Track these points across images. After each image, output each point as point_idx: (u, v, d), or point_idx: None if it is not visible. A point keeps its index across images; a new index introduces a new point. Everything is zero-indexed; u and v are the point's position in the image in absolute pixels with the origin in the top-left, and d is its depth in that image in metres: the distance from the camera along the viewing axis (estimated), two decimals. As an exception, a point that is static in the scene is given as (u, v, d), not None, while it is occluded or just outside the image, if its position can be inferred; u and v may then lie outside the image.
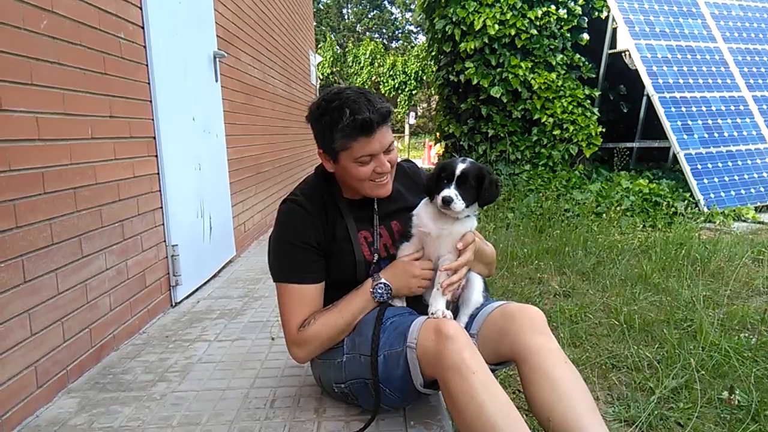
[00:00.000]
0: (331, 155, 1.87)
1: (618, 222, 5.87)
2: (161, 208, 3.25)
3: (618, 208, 6.26)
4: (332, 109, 1.79)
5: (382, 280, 1.88)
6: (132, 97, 2.96)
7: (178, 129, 3.51)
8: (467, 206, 1.81)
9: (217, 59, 4.28)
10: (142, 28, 3.12)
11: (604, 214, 6.15)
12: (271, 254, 1.95)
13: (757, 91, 7.63)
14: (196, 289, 3.65)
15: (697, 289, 3.59)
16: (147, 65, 3.16)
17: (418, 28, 42.28)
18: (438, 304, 1.79)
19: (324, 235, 1.91)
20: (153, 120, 3.19)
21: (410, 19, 43.44)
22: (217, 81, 4.30)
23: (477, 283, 1.96)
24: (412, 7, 43.36)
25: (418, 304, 1.96)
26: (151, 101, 3.18)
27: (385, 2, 45.57)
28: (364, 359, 1.82)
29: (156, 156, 3.22)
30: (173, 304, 3.36)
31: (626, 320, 3.07)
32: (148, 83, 3.17)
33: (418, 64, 28.32)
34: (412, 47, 35.69)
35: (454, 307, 1.97)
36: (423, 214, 1.92)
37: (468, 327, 1.91)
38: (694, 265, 4.20)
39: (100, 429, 1.95)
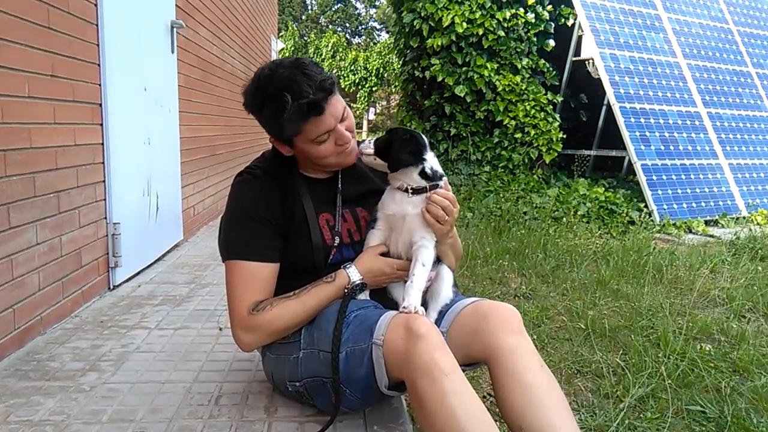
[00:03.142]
0: (285, 142, 1.71)
1: (575, 227, 5.87)
2: (104, 181, 2.99)
3: (575, 214, 6.27)
4: (271, 97, 1.60)
5: (359, 279, 1.71)
6: (78, 58, 2.69)
7: (128, 98, 3.25)
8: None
9: (175, 29, 4.01)
10: (94, -17, 2.85)
11: (563, 219, 6.14)
12: (223, 230, 1.75)
13: (711, 107, 7.81)
14: (138, 273, 3.39)
15: (656, 297, 3.57)
16: (97, 25, 2.89)
17: (382, 26, 42.15)
18: (411, 298, 1.63)
19: (282, 213, 1.73)
20: (100, 85, 2.93)
21: (374, 15, 43.24)
22: (173, 52, 4.04)
23: (447, 277, 1.81)
24: (377, 3, 43.19)
25: (383, 298, 1.80)
26: (99, 65, 2.92)
27: (350, -4, 45.23)
28: (324, 356, 1.65)
29: (101, 125, 2.95)
30: (111, 287, 3.10)
31: (589, 325, 3.00)
32: (97, 45, 2.90)
33: (380, 61, 28.16)
34: (375, 44, 35.51)
35: (422, 301, 1.81)
36: (386, 197, 1.77)
37: (437, 324, 1.76)
38: (650, 273, 4.20)
39: (17, 423, 1.71)
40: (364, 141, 1.77)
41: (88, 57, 2.79)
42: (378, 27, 43.53)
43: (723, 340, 2.92)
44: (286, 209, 1.74)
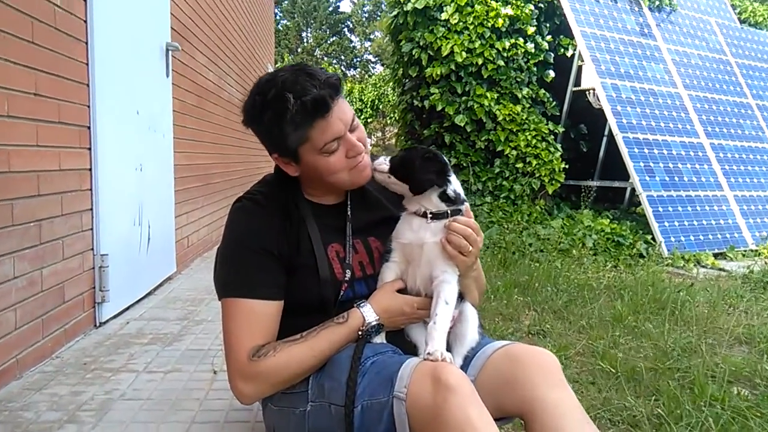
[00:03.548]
0: (290, 156, 1.51)
1: (582, 260, 5.68)
2: (91, 209, 2.78)
3: (582, 246, 6.09)
4: (271, 101, 1.43)
5: (375, 320, 1.50)
6: (65, 77, 2.51)
7: (119, 121, 3.06)
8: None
9: (170, 52, 3.86)
10: (84, 0, 2.69)
11: (573, 251, 5.96)
12: (219, 263, 1.54)
13: (714, 138, 7.72)
14: (127, 308, 3.15)
15: (680, 336, 3.37)
16: (87, 43, 2.72)
17: (377, 58, 42.59)
18: (436, 342, 1.42)
19: (287, 243, 1.52)
20: (89, 107, 2.74)
21: (369, 48, 43.76)
22: (168, 76, 3.87)
23: (472, 316, 1.60)
24: (372, 36, 43.74)
25: (400, 339, 1.59)
26: (88, 85, 2.73)
27: (345, 30, 45.84)
28: (336, 410, 1.42)
29: (89, 149, 2.76)
30: (97, 324, 2.86)
31: (615, 367, 2.77)
32: (87, 64, 2.73)
33: (375, 93, 28.29)
34: (370, 76, 35.79)
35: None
36: (402, 223, 1.58)
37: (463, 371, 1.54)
38: (666, 308, 4.00)
39: (-23, 489, 1.47)
40: (377, 157, 1.58)
41: (75, 76, 2.60)
42: (373, 60, 44.02)
43: (760, 383, 2.70)
44: (290, 239, 1.53)
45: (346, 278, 1.55)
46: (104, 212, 2.84)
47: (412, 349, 1.55)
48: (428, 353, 1.39)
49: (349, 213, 1.63)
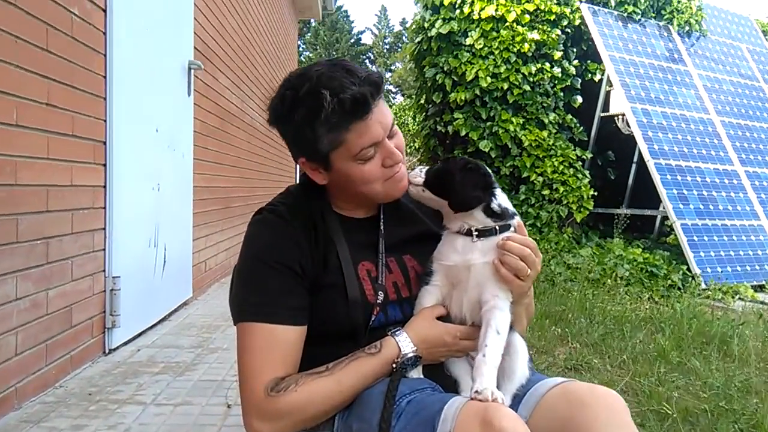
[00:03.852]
0: (320, 161, 1.32)
1: (616, 291, 5.41)
2: (104, 229, 2.64)
3: (615, 276, 5.83)
4: (304, 97, 1.25)
5: (412, 351, 1.30)
6: (80, 88, 2.39)
7: (137, 137, 2.94)
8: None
9: (192, 71, 3.76)
10: (104, 11, 2.59)
11: (605, 281, 5.70)
12: (235, 283, 1.35)
13: (749, 166, 7.45)
14: (138, 334, 2.98)
15: (731, 373, 3.10)
16: (105, 55, 2.61)
17: (397, 89, 42.91)
18: (485, 379, 1.21)
19: (312, 260, 1.33)
20: (105, 121, 2.63)
21: (390, 79, 44.14)
22: (189, 95, 3.77)
23: (522, 349, 1.39)
24: (393, 68, 44.18)
25: (439, 374, 1.38)
26: (105, 99, 2.62)
27: (367, 61, 46.35)
28: (366, 456, 1.22)
29: (104, 165, 2.63)
30: (106, 351, 2.69)
31: (668, 408, 2.53)
32: (104, 77, 2.62)
33: (397, 122, 28.33)
34: (391, 106, 36.02)
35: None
36: (444, 244, 1.38)
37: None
38: (711, 344, 3.73)
39: None
40: (412, 169, 1.41)
41: (92, 88, 2.49)
42: (393, 90, 44.31)
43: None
44: (316, 256, 1.35)
45: (379, 300, 1.36)
46: (118, 232, 2.70)
47: (452, 386, 1.35)
48: (476, 391, 1.19)
49: (381, 228, 1.45)
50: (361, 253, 1.39)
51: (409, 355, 1.28)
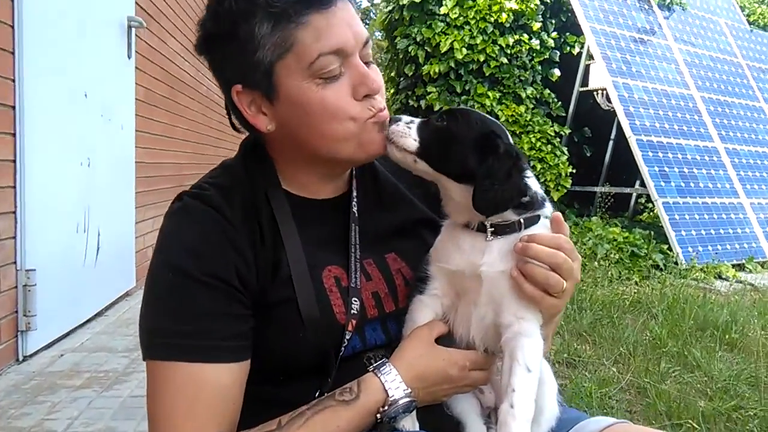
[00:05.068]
0: (262, 82, 0.90)
1: (599, 272, 5.14)
2: (14, 213, 2.19)
3: (596, 257, 5.56)
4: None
5: (405, 393, 0.89)
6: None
7: (58, 103, 2.47)
8: (426, 160, 0.94)
9: (133, 30, 3.27)
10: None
11: (584, 262, 5.43)
12: (146, 302, 0.92)
13: (728, 143, 7.25)
14: (64, 335, 2.54)
15: (730, 365, 2.83)
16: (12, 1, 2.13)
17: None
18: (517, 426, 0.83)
19: (256, 266, 0.92)
20: (14, 80, 2.15)
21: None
22: (130, 58, 3.28)
23: (549, 379, 1.01)
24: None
25: (435, 413, 0.99)
26: (13, 52, 2.14)
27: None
28: None
29: (13, 134, 2.16)
30: (19, 358, 2.25)
31: (670, 408, 2.23)
32: (12, 26, 2.13)
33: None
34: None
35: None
36: (444, 241, 0.98)
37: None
38: (706, 330, 3.47)
39: None
40: (397, 119, 0.96)
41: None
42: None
43: None
44: (262, 260, 0.93)
45: (352, 316, 0.96)
46: (33, 216, 2.25)
47: (454, 429, 0.98)
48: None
49: (354, 210, 1.04)
50: (325, 252, 0.99)
51: (401, 402, 0.88)
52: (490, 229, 0.92)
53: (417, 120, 0.96)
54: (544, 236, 0.90)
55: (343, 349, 0.94)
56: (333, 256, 0.99)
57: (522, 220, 0.92)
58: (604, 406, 2.35)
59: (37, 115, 2.27)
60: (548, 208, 0.96)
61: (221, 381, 0.87)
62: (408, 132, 0.94)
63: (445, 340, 0.97)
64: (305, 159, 0.98)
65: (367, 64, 0.94)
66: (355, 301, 0.96)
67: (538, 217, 0.94)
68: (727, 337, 3.32)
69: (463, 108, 1.04)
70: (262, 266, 0.92)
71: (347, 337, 0.94)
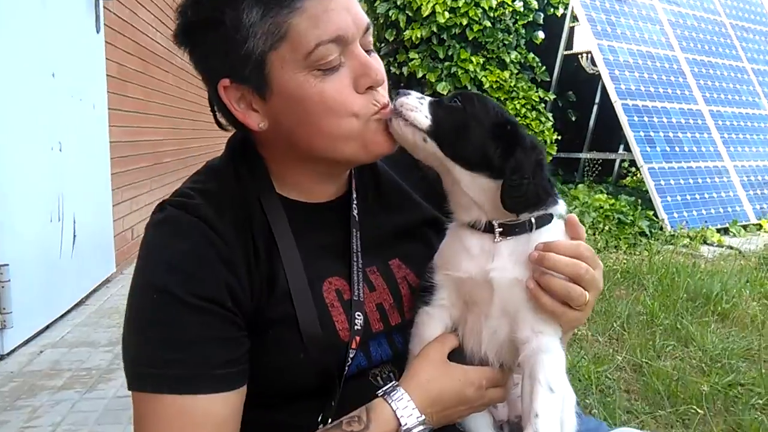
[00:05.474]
0: (253, 76, 0.80)
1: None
2: (-20, 205, 2.05)
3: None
4: None
5: (418, 421, 0.81)
6: None
7: (23, 83, 2.31)
8: (440, 146, 0.84)
9: (101, 1, 3.07)
10: None
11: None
12: (128, 326, 0.82)
13: (712, 105, 7.21)
14: (42, 330, 2.43)
15: (724, 338, 2.83)
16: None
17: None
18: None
19: (250, 282, 0.83)
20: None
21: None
22: (99, 32, 3.09)
23: (567, 391, 0.95)
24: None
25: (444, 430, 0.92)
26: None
27: None
28: None
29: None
30: (-4, 358, 2.15)
31: (668, 387, 2.21)
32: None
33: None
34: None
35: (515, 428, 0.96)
36: (450, 245, 0.90)
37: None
38: (696, 301, 3.46)
39: None
40: (406, 92, 0.85)
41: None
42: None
43: None
44: (257, 275, 0.84)
45: (356, 333, 0.87)
46: (3, 209, 2.13)
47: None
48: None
49: (355, 214, 0.95)
50: (324, 263, 0.90)
51: (415, 430, 0.81)
52: (498, 229, 0.84)
53: (427, 98, 0.87)
54: (563, 244, 0.82)
55: (347, 368, 0.86)
56: (333, 265, 0.90)
57: (533, 220, 0.84)
58: (601, 385, 2.33)
59: (0, 98, 2.12)
60: (561, 206, 0.88)
61: (215, 412, 0.79)
62: (419, 107, 0.84)
63: (457, 353, 0.90)
64: (302, 159, 0.88)
65: (368, 52, 0.84)
66: (359, 315, 0.88)
67: (551, 216, 0.86)
68: (719, 308, 3.31)
69: (475, 92, 0.95)
70: (257, 282, 0.83)
71: (351, 355, 0.86)
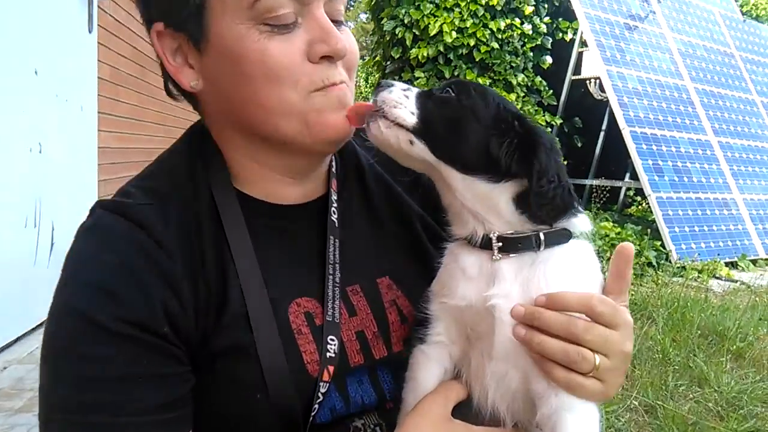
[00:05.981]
0: (188, 22, 0.67)
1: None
2: (-57, 206, 1.89)
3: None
4: None
5: None
6: None
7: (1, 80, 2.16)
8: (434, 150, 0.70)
9: (95, 1, 2.95)
10: None
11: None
12: (45, 362, 0.65)
13: (721, 136, 7.09)
14: (12, 342, 2.25)
15: (740, 380, 2.66)
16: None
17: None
18: None
19: (195, 303, 0.67)
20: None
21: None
22: (91, 32, 2.96)
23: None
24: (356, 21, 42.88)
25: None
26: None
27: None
28: None
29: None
30: (-47, 374, 1.97)
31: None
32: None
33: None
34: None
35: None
36: (448, 266, 0.74)
37: None
38: (709, 338, 3.29)
39: None
40: (389, 84, 0.72)
41: None
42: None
43: None
44: (203, 291, 0.68)
45: (329, 361, 0.70)
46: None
47: None
48: None
49: (334, 219, 0.78)
50: (293, 279, 0.73)
51: None
52: (496, 244, 0.68)
53: (414, 89, 0.71)
54: (569, 297, 0.66)
55: (315, 407, 0.68)
56: (303, 283, 0.74)
57: (542, 235, 0.68)
58: (611, 428, 2.14)
59: (-26, 93, 1.97)
60: (582, 221, 0.72)
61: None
62: (404, 101, 0.69)
63: (463, 403, 0.73)
64: (249, 140, 0.72)
65: (337, 23, 0.69)
66: (332, 340, 0.71)
67: (569, 235, 0.70)
68: (733, 347, 3.13)
69: (471, 81, 0.80)
70: (204, 302, 0.67)
71: (322, 390, 0.68)
